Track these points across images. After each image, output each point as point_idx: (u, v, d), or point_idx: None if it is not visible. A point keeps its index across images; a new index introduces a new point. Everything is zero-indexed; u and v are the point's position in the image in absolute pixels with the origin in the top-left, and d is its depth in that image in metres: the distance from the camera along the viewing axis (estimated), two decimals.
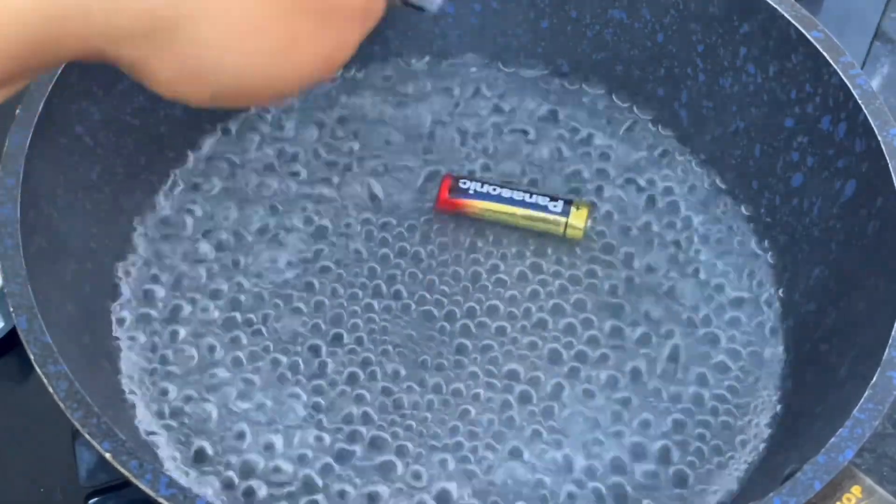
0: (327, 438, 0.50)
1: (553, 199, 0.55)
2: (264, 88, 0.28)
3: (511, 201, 0.55)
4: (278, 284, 0.54)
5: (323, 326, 0.53)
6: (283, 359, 0.52)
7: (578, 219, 0.55)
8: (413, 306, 0.53)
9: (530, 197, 0.55)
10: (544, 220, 0.55)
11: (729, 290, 0.55)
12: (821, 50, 0.50)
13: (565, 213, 0.55)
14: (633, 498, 0.49)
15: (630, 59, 0.58)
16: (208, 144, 0.57)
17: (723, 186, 0.58)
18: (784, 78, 0.53)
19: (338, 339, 0.52)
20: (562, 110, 0.60)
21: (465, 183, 0.55)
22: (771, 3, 0.52)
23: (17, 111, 0.47)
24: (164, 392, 0.51)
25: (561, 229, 0.55)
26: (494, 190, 0.55)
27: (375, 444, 0.50)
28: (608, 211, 0.57)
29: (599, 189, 0.57)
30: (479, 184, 0.55)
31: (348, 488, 0.49)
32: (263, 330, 0.52)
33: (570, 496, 0.49)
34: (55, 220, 0.48)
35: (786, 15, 0.51)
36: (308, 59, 0.28)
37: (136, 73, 0.28)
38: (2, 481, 0.53)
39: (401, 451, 0.50)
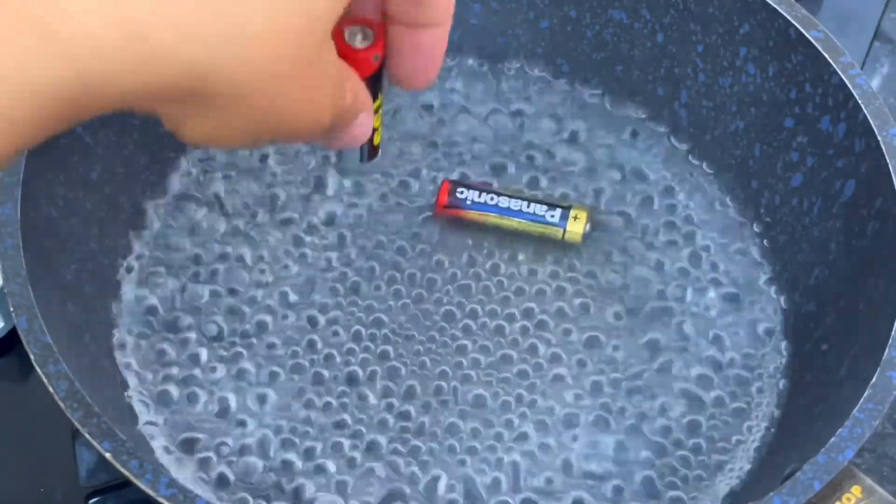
0: (325, 439, 0.50)
1: (551, 206, 0.55)
2: (265, 130, 0.29)
3: (508, 212, 0.55)
4: (277, 282, 0.54)
5: (321, 325, 0.53)
6: (283, 359, 0.52)
7: (576, 226, 0.55)
8: (412, 306, 0.53)
9: (528, 206, 0.55)
10: (543, 228, 0.55)
11: (728, 290, 0.55)
12: (820, 50, 0.50)
13: (563, 220, 0.55)
14: (632, 499, 0.49)
15: (630, 59, 0.58)
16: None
17: (722, 186, 0.58)
18: (784, 78, 0.53)
19: (336, 337, 0.52)
20: (561, 111, 0.60)
21: (462, 192, 0.55)
22: (771, 3, 0.52)
23: None
24: (165, 392, 0.51)
25: (560, 234, 0.55)
26: (492, 199, 0.55)
27: (373, 446, 0.50)
28: (607, 212, 0.57)
29: (598, 190, 0.57)
30: (477, 192, 0.55)
31: (344, 488, 0.49)
32: (263, 330, 0.52)
33: (566, 497, 0.49)
34: (55, 220, 0.48)
35: (786, 15, 0.51)
36: (320, 107, 0.29)
37: (168, 126, 0.29)
38: (2, 481, 0.53)
39: (398, 453, 0.50)
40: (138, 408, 0.50)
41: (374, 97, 0.34)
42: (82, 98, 0.24)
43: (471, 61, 0.61)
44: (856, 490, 0.43)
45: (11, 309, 0.43)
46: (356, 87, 0.31)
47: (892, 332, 0.44)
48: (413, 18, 0.31)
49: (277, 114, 0.27)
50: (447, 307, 0.54)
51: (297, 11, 0.25)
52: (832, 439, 0.42)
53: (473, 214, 0.55)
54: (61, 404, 0.41)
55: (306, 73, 0.27)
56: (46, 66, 0.23)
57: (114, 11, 0.23)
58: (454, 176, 0.57)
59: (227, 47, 0.25)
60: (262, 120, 0.27)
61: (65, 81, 0.24)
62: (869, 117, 0.49)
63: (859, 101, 0.49)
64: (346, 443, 0.50)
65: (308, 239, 0.55)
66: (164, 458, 0.49)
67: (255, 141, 0.30)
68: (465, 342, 0.53)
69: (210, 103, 0.26)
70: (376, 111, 0.35)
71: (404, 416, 0.51)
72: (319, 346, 0.52)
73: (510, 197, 0.55)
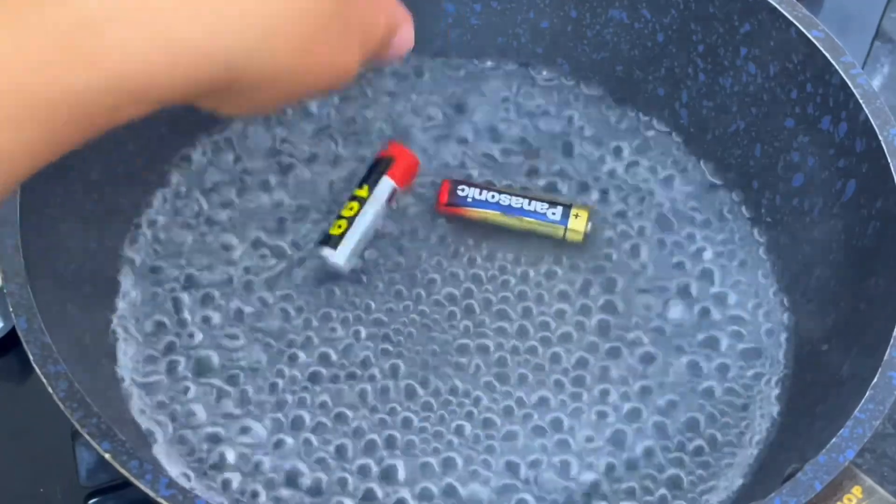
0: (324, 440, 0.50)
1: (552, 204, 0.55)
2: (297, 95, 0.30)
3: (509, 209, 0.55)
4: (275, 282, 0.54)
5: (319, 324, 0.53)
6: (281, 358, 0.52)
7: (578, 224, 0.55)
8: (413, 306, 0.53)
9: (529, 204, 0.55)
10: (544, 227, 0.55)
11: (729, 291, 0.55)
12: (821, 49, 0.50)
13: (564, 219, 0.55)
14: (631, 499, 0.49)
15: (630, 59, 0.58)
16: (209, 144, 0.57)
17: (723, 186, 0.58)
18: (784, 78, 0.53)
19: (335, 335, 0.52)
20: (561, 110, 0.60)
21: (463, 190, 0.55)
22: (771, 2, 0.52)
23: None
24: (164, 391, 0.50)
25: (561, 233, 0.55)
26: (493, 197, 0.55)
27: (372, 445, 0.50)
28: (608, 212, 0.57)
29: (599, 190, 0.57)
30: (478, 190, 0.55)
31: (344, 484, 0.49)
32: (261, 329, 0.52)
33: (566, 498, 0.49)
34: (55, 220, 0.48)
35: (786, 14, 0.51)
36: (341, 67, 0.30)
37: (201, 107, 0.30)
38: (2, 481, 0.53)
39: (396, 454, 0.50)
40: (138, 407, 0.50)
41: None
42: (122, 101, 0.26)
43: (471, 61, 0.61)
44: (856, 490, 0.43)
45: (11, 309, 0.43)
46: (390, 8, 0.31)
47: (893, 332, 0.44)
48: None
49: (309, 80, 0.28)
50: (447, 307, 0.53)
51: None
52: (833, 440, 0.42)
53: (474, 212, 0.55)
54: (61, 404, 0.41)
55: (331, 36, 0.28)
56: (81, 80, 0.25)
57: (142, 20, 0.25)
58: (454, 175, 0.57)
59: (255, 42, 0.26)
60: (296, 88, 0.28)
61: (98, 88, 0.25)
62: (870, 117, 0.49)
63: (860, 101, 0.49)
64: (346, 441, 0.50)
65: (309, 238, 0.55)
66: (163, 458, 0.49)
67: (292, 102, 0.30)
68: (466, 342, 0.53)
69: (246, 90, 0.27)
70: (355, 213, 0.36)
71: (404, 415, 0.51)
72: (316, 342, 0.52)
73: (511, 195, 0.55)
